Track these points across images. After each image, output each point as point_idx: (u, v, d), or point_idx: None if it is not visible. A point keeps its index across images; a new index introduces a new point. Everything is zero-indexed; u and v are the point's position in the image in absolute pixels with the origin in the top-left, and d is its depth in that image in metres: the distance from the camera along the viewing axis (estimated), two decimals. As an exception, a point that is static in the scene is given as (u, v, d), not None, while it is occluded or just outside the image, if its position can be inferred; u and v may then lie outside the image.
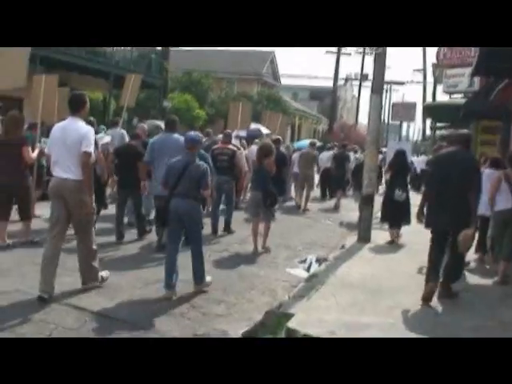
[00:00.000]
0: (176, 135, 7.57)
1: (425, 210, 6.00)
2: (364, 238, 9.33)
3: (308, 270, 7.69)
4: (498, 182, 7.01)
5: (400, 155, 9.64)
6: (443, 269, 5.88)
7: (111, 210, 9.06)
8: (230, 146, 9.92)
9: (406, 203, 9.27)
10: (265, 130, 19.34)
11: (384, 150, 19.14)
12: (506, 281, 6.75)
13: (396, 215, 9.22)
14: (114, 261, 7.14)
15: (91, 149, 5.31)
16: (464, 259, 6.16)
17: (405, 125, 50.09)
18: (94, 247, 5.65)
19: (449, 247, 5.83)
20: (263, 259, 7.95)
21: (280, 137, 13.87)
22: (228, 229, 9.53)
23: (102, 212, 8.88)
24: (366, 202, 9.52)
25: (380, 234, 9.70)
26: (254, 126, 19.11)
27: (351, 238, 9.74)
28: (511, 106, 10.71)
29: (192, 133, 6.46)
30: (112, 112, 19.71)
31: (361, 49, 43.94)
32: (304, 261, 8.17)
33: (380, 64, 9.30)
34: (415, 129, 68.01)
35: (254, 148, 11.29)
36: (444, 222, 5.69)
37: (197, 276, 5.89)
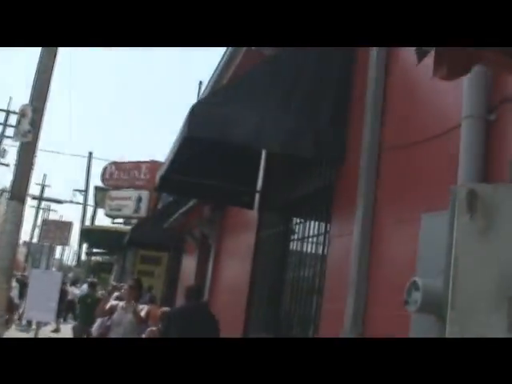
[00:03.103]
0: None
1: None
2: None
3: None
4: None
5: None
6: None
7: None
8: None
9: None
10: None
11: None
12: None
13: None
14: None
15: None
16: None
17: (59, 248, 46.40)
18: None
19: None
20: None
21: None
22: None
23: None
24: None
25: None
26: None
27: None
28: (189, 235, 9.02)
29: None
30: None
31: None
32: None
33: (26, 156, 6.42)
34: (70, 253, 64.03)
35: None
36: None
37: None
